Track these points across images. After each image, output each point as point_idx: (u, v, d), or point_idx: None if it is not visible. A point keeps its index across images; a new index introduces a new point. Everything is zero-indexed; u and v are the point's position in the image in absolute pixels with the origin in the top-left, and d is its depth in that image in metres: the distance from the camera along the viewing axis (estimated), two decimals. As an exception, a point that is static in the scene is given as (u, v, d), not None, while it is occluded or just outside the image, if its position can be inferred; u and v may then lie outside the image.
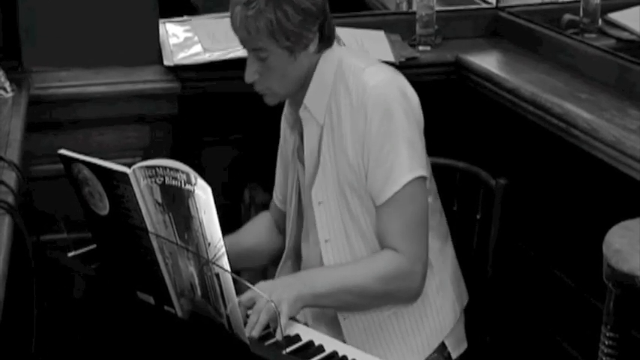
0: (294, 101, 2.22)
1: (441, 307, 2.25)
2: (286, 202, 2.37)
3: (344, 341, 2.18)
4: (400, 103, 2.12)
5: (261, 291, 1.99)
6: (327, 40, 2.17)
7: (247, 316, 1.97)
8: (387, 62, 2.42)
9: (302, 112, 2.19)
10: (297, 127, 2.26)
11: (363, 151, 2.12)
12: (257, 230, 2.43)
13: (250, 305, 1.98)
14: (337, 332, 2.23)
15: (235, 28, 2.13)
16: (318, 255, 2.24)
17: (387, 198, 2.12)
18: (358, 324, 2.23)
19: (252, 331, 1.91)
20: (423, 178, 2.14)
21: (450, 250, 2.30)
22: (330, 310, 2.23)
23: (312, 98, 2.17)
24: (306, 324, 2.23)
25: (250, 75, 2.16)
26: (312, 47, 2.14)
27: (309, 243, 2.28)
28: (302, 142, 2.25)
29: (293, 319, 2.03)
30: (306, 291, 2.06)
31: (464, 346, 2.31)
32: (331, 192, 2.19)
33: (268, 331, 1.94)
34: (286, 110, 2.32)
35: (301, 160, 2.26)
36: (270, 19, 2.06)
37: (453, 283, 2.28)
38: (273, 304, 1.94)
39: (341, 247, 2.20)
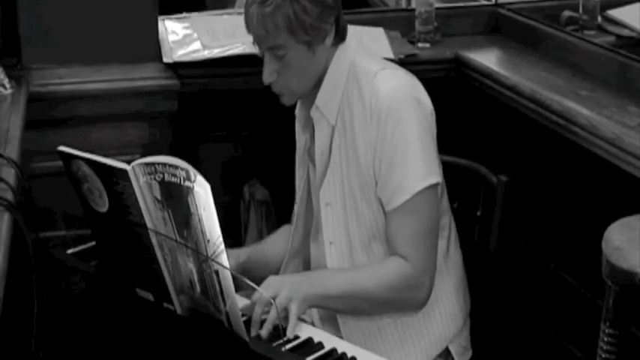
0: (306, 101, 2.21)
1: (442, 316, 2.23)
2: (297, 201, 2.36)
3: None
4: (413, 110, 2.11)
5: (271, 286, 2.00)
6: (341, 32, 2.15)
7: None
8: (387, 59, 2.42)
9: (313, 112, 2.18)
10: (309, 127, 2.25)
11: (374, 156, 2.11)
12: (280, 240, 2.40)
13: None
14: (340, 334, 2.23)
15: (252, 28, 2.09)
16: (325, 257, 2.23)
17: (398, 204, 2.11)
18: (357, 328, 2.22)
19: (262, 330, 1.91)
20: (435, 186, 2.14)
21: (456, 256, 2.28)
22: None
23: (324, 98, 2.15)
24: (312, 323, 2.23)
25: (268, 75, 2.12)
26: (329, 40, 2.12)
27: (318, 243, 2.27)
28: (313, 142, 2.24)
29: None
30: (314, 291, 2.05)
31: (469, 354, 2.30)
32: (339, 194, 2.18)
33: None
34: (298, 111, 2.30)
35: (312, 160, 2.26)
36: (288, 13, 2.03)
37: (457, 291, 2.27)
38: (283, 301, 1.95)
39: (344, 250, 2.19)
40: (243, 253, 2.28)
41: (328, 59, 2.15)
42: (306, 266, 2.35)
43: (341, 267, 2.20)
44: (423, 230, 2.12)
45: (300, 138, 2.32)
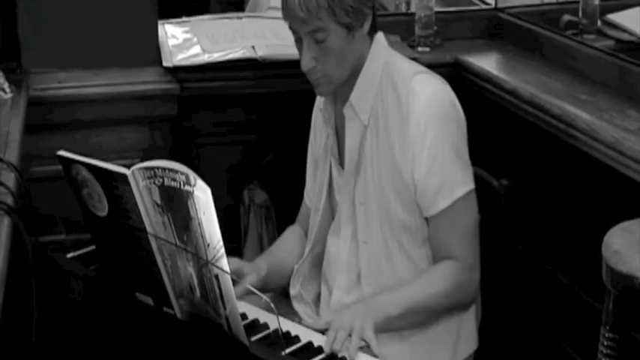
0: (333, 98, 2.22)
1: (467, 320, 2.25)
2: (314, 197, 2.35)
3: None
4: (453, 117, 2.14)
5: (344, 321, 1.99)
6: (375, 22, 2.17)
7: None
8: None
9: (346, 110, 2.18)
10: (332, 123, 2.25)
11: (413, 161, 2.12)
12: (290, 247, 2.39)
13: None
14: None
15: (292, 11, 2.07)
16: (347, 251, 2.23)
17: (440, 209, 2.12)
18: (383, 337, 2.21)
19: (338, 347, 1.92)
20: (473, 191, 2.16)
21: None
22: None
23: (358, 97, 2.16)
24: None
25: (308, 61, 2.11)
26: (366, 26, 2.13)
27: (339, 238, 2.26)
28: (337, 140, 2.24)
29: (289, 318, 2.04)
30: (380, 317, 2.06)
31: None
32: (372, 194, 2.17)
33: (267, 332, 1.94)
34: (321, 105, 2.28)
35: (335, 157, 2.25)
36: None
37: (475, 309, 2.29)
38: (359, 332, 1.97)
39: (380, 250, 2.19)
40: (262, 265, 2.25)
41: (364, 50, 2.15)
42: (315, 260, 2.33)
43: (377, 268, 2.19)
44: (468, 232, 2.14)
45: (320, 133, 2.31)
